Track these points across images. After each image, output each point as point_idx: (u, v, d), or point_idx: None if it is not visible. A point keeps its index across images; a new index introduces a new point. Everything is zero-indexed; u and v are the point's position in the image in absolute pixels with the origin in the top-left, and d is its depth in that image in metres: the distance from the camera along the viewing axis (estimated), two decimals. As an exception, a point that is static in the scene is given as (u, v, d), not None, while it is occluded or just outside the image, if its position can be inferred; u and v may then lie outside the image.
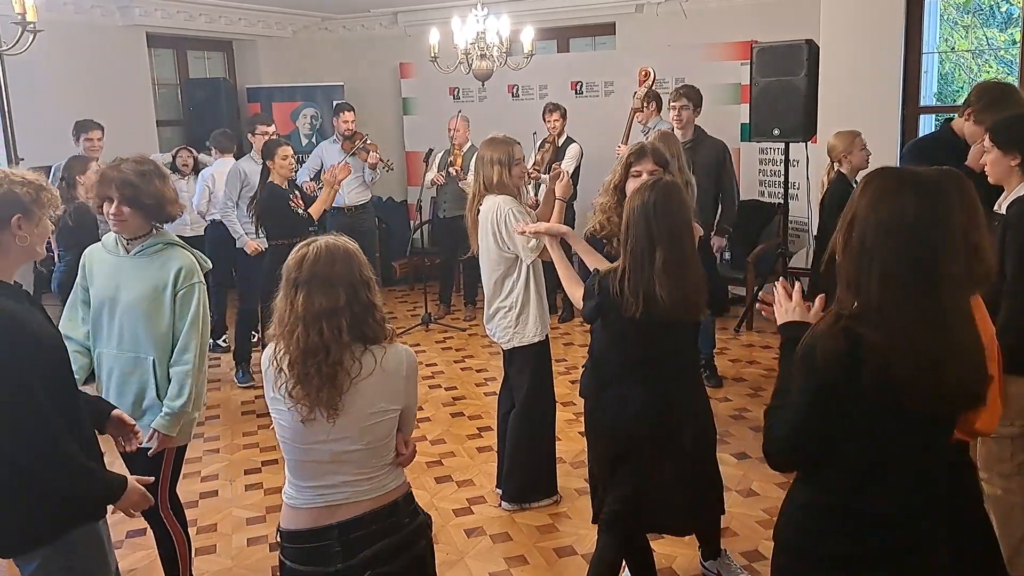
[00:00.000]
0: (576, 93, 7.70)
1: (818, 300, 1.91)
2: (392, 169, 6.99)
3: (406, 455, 2.10)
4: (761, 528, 3.51)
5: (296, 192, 5.16)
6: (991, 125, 2.77)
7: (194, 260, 2.81)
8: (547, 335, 3.66)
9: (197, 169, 6.51)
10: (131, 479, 2.17)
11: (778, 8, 6.79)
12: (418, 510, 2.12)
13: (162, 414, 2.70)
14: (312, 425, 1.94)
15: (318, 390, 1.90)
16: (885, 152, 4.80)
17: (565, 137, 6.60)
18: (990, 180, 2.74)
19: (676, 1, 7.26)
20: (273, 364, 1.99)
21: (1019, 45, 5.43)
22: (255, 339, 6.45)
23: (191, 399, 2.74)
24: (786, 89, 5.21)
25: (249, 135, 5.85)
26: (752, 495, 3.82)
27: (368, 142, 6.70)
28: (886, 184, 1.67)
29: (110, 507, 2.19)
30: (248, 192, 5.49)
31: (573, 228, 3.58)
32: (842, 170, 4.40)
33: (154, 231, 2.79)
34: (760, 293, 5.36)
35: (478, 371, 5.85)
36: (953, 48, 6.46)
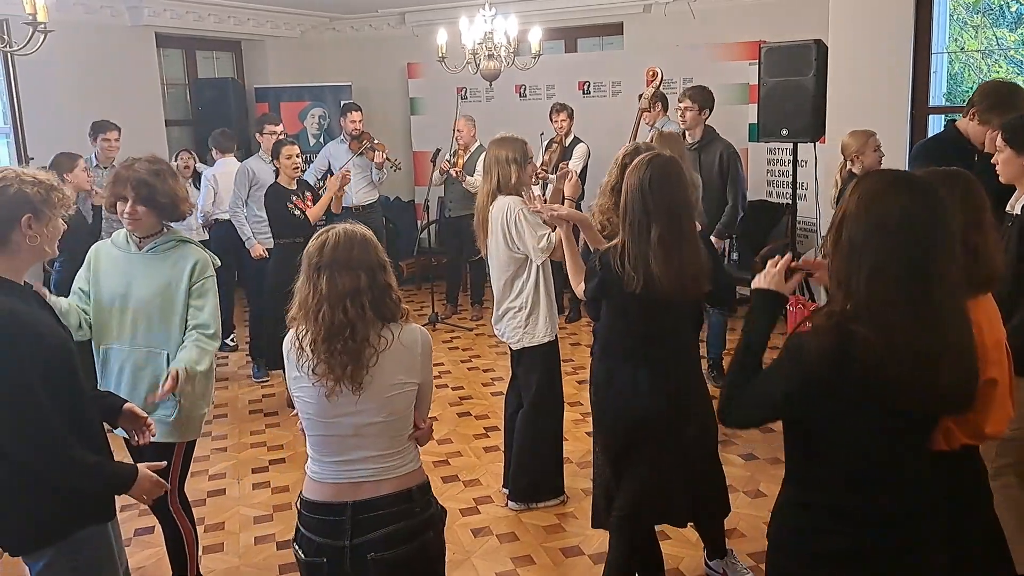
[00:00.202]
0: (583, 93, 7.70)
1: (794, 270, 1.90)
2: (399, 169, 7.00)
3: (424, 430, 2.19)
4: (768, 529, 3.50)
5: (308, 192, 5.15)
6: (1004, 125, 2.76)
7: (207, 255, 2.86)
8: (556, 335, 3.66)
9: (196, 175, 6.53)
10: (141, 467, 2.18)
11: (786, 8, 6.77)
12: (432, 502, 2.17)
13: (182, 362, 2.67)
14: (336, 399, 2.03)
15: (343, 366, 1.99)
16: (894, 153, 4.79)
17: (572, 137, 6.60)
18: (1002, 180, 2.73)
19: (684, 1, 7.25)
20: (295, 345, 2.06)
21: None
22: (234, 343, 6.50)
23: (208, 366, 2.76)
24: (794, 89, 5.19)
25: (257, 135, 5.86)
26: (759, 496, 3.81)
27: (375, 142, 6.72)
28: (877, 184, 1.68)
29: (119, 506, 2.20)
30: (257, 191, 5.51)
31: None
32: (854, 170, 4.38)
33: (165, 229, 2.84)
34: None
35: (485, 371, 5.86)
36: (963, 48, 6.43)
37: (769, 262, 1.91)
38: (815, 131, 5.25)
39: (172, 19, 7.40)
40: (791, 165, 5.72)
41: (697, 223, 2.77)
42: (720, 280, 2.77)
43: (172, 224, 2.88)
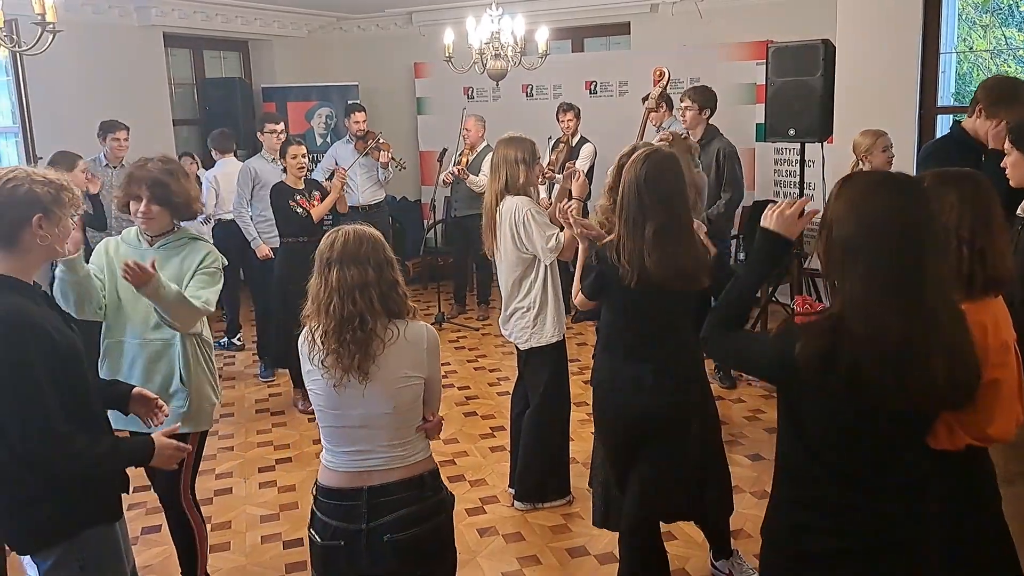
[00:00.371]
0: (590, 93, 7.69)
1: (802, 206, 1.85)
2: (405, 168, 7.01)
3: (433, 423, 2.27)
4: (775, 530, 3.49)
5: (317, 192, 5.14)
6: (1013, 127, 2.74)
7: (217, 251, 2.91)
8: (564, 336, 3.65)
9: (196, 180, 6.55)
10: (156, 435, 2.20)
11: (794, 8, 6.75)
12: (442, 487, 2.26)
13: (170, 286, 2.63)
14: (345, 391, 2.11)
15: (351, 356, 2.07)
16: (902, 153, 4.77)
17: (579, 137, 6.60)
18: (1012, 183, 2.70)
19: (691, 1, 7.23)
20: (308, 339, 2.16)
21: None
22: (240, 342, 6.51)
23: (201, 303, 2.72)
24: (802, 89, 5.17)
25: (258, 133, 5.85)
26: (766, 496, 3.77)
27: (381, 141, 6.72)
28: (860, 185, 1.68)
29: (126, 504, 2.20)
30: (260, 191, 5.52)
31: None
32: (864, 169, 4.37)
33: (175, 228, 2.87)
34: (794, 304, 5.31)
35: (491, 371, 5.86)
36: (971, 48, 6.40)
37: (785, 202, 1.86)
38: (822, 131, 5.24)
39: (180, 19, 7.42)
40: (798, 165, 5.71)
41: (701, 223, 2.77)
42: (723, 278, 2.76)
43: (182, 223, 2.92)
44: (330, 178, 5.45)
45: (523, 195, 3.52)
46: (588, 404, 4.51)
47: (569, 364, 3.79)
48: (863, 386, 1.60)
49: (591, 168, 6.38)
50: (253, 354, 6.19)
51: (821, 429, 1.73)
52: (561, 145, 6.57)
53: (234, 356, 6.37)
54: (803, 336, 1.64)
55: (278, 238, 5.20)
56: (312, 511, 2.25)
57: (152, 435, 2.20)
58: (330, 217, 5.08)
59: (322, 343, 2.09)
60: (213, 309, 2.80)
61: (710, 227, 5.15)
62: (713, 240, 3.02)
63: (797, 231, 1.84)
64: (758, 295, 6.25)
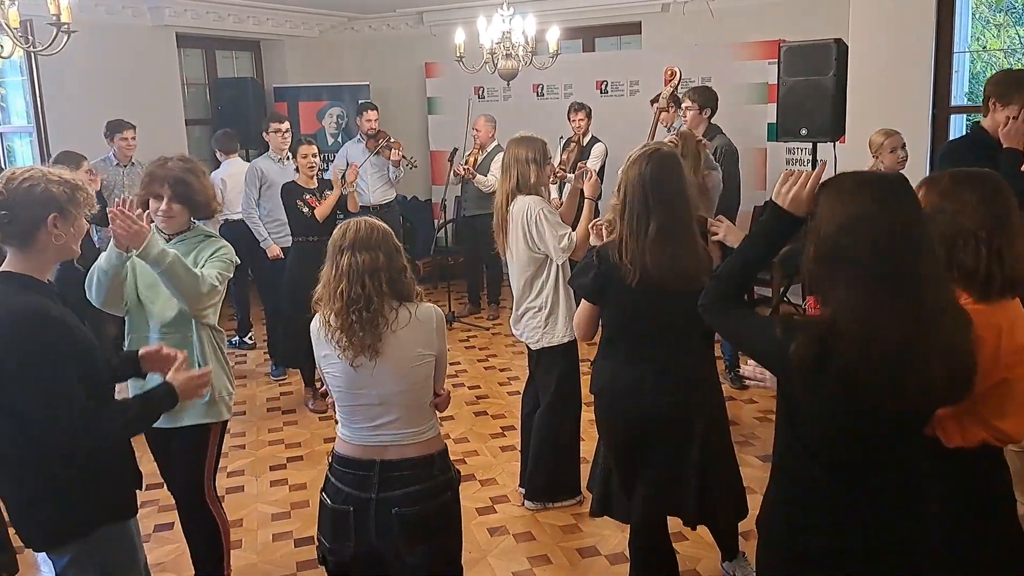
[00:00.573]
0: (601, 93, 7.68)
1: (818, 178, 1.74)
2: (416, 167, 7.02)
3: (442, 396, 2.40)
4: (786, 531, 3.48)
5: (328, 192, 5.16)
6: None
7: (231, 247, 2.93)
8: (575, 335, 3.64)
9: None
10: (169, 376, 2.22)
11: (806, 7, 6.72)
12: (450, 467, 2.39)
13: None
14: (361, 370, 2.23)
15: (360, 336, 2.19)
16: (915, 152, 4.75)
17: (590, 137, 6.59)
18: None
19: (703, 0, 7.21)
20: (320, 323, 2.28)
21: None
22: (251, 340, 6.53)
23: (202, 273, 2.72)
24: (814, 89, 5.15)
25: (264, 134, 5.86)
26: (777, 498, 3.78)
27: (392, 140, 6.74)
28: (843, 187, 1.66)
29: (139, 502, 2.22)
30: (268, 191, 5.53)
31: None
32: (879, 168, 4.36)
33: (191, 227, 2.90)
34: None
35: (501, 370, 5.86)
36: (985, 47, 6.36)
37: (802, 176, 1.75)
38: (835, 131, 5.21)
39: (192, 19, 7.45)
40: (811, 165, 5.69)
41: (710, 218, 2.75)
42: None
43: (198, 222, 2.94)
44: (342, 178, 5.46)
45: (534, 195, 3.51)
46: (598, 404, 4.52)
47: (580, 364, 3.79)
48: (858, 389, 1.58)
49: (602, 167, 6.37)
50: (264, 353, 6.21)
51: (819, 428, 1.72)
52: (573, 145, 6.56)
53: (245, 355, 6.40)
54: (797, 337, 1.62)
55: (289, 237, 5.23)
56: (327, 476, 2.37)
57: (167, 378, 2.21)
58: (341, 216, 5.09)
59: (333, 324, 2.21)
60: (218, 287, 2.77)
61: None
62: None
63: (809, 210, 1.74)
64: (769, 295, 6.26)
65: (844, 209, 1.63)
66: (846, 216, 1.62)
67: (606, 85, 7.71)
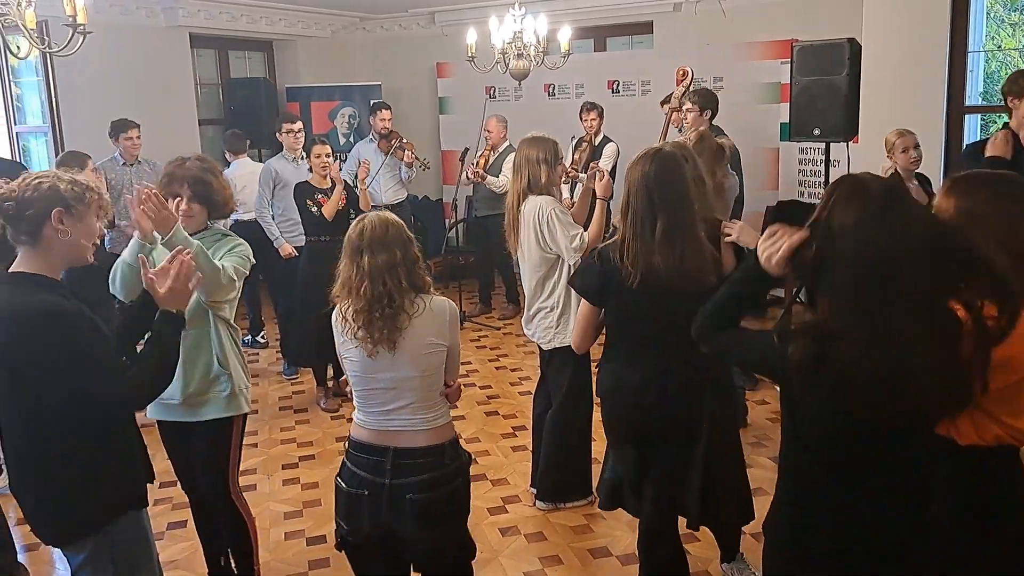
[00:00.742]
0: (613, 92, 7.67)
1: (792, 248, 1.68)
2: (428, 167, 7.03)
3: (453, 388, 2.49)
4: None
5: (344, 192, 5.17)
6: None
7: (248, 245, 2.95)
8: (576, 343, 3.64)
9: None
10: (146, 287, 2.20)
11: (819, 6, 6.69)
12: (460, 454, 2.47)
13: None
14: (377, 358, 2.34)
15: (380, 330, 2.30)
16: (929, 152, 4.72)
17: (602, 136, 6.59)
18: None
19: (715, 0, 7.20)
20: (340, 317, 2.38)
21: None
22: (264, 339, 6.56)
23: (222, 264, 2.74)
24: (827, 88, 5.13)
25: (277, 133, 5.87)
26: (789, 499, 3.77)
27: (404, 140, 6.75)
28: (841, 192, 1.65)
29: (152, 500, 2.23)
30: (281, 191, 5.55)
31: (610, 228, 3.57)
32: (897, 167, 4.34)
33: (208, 226, 2.92)
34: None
35: (513, 370, 5.86)
36: (1000, 47, 6.32)
37: (780, 241, 1.69)
38: (848, 131, 5.19)
39: (205, 19, 7.49)
40: (823, 165, 5.66)
41: (721, 219, 2.74)
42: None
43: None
44: (356, 178, 5.48)
45: (546, 195, 3.52)
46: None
47: (591, 364, 3.78)
48: (857, 388, 1.58)
49: (614, 167, 6.36)
50: (276, 352, 6.24)
51: (818, 428, 1.71)
52: (584, 144, 6.56)
53: (257, 354, 6.43)
54: (795, 340, 1.63)
55: (302, 236, 5.25)
56: (343, 462, 2.46)
57: (149, 294, 2.19)
58: (354, 215, 5.11)
59: (354, 320, 2.31)
60: (235, 281, 2.79)
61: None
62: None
63: (779, 274, 1.73)
64: (782, 295, 6.23)
65: (846, 212, 1.62)
66: (848, 219, 1.61)
67: (618, 85, 7.70)
